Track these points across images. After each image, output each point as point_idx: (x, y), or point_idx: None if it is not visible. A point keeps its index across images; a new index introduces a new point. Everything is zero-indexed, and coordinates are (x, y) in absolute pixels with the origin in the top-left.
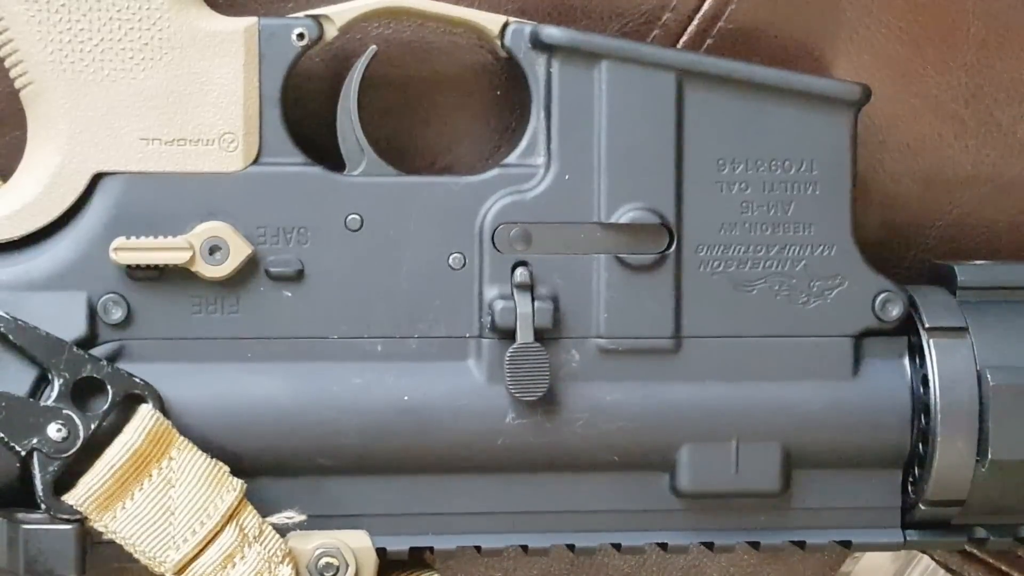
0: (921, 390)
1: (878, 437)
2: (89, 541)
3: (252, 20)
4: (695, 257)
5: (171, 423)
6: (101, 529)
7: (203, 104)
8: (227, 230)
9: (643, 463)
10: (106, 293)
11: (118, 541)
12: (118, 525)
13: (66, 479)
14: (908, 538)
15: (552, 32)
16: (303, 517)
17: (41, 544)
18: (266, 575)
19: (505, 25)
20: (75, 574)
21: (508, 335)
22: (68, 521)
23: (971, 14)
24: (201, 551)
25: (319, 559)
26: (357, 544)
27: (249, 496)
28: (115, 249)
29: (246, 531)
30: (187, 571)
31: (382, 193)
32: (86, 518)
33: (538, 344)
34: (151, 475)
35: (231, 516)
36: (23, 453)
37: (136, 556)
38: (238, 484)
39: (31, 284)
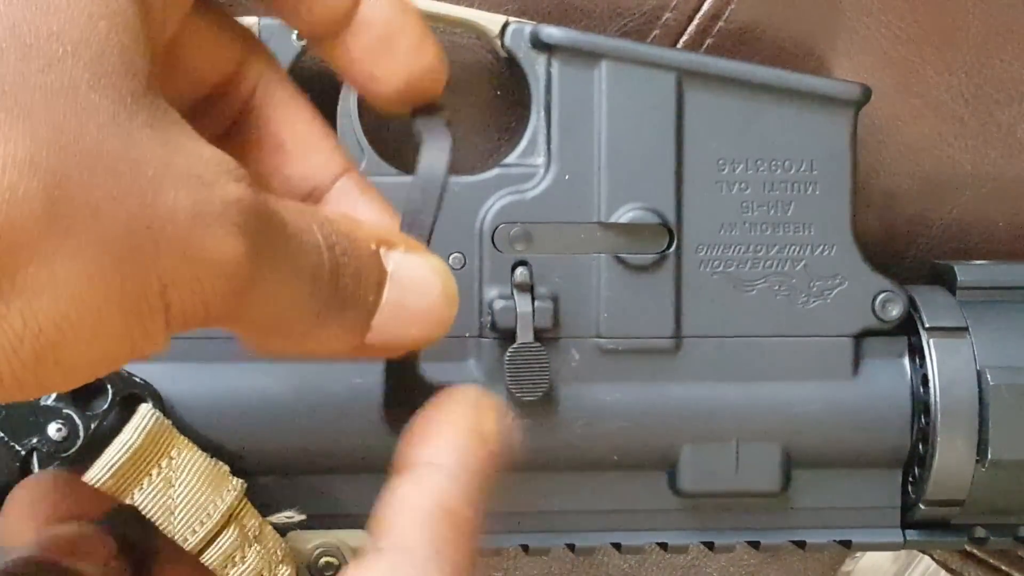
0: (921, 390)
1: (878, 437)
2: None
3: (252, 20)
4: (695, 257)
5: (171, 422)
6: None
7: None
8: None
9: (643, 463)
10: None
11: None
12: None
13: None
14: (908, 538)
15: (552, 32)
16: (303, 517)
17: None
18: (266, 574)
19: (505, 25)
20: None
21: (508, 335)
22: None
23: (971, 14)
24: (201, 550)
25: (319, 559)
26: (357, 544)
27: (249, 496)
28: None
29: (246, 531)
30: None
31: (382, 193)
32: None
33: (538, 344)
34: (151, 474)
35: (231, 516)
36: (23, 452)
37: None
38: (238, 483)
39: None
